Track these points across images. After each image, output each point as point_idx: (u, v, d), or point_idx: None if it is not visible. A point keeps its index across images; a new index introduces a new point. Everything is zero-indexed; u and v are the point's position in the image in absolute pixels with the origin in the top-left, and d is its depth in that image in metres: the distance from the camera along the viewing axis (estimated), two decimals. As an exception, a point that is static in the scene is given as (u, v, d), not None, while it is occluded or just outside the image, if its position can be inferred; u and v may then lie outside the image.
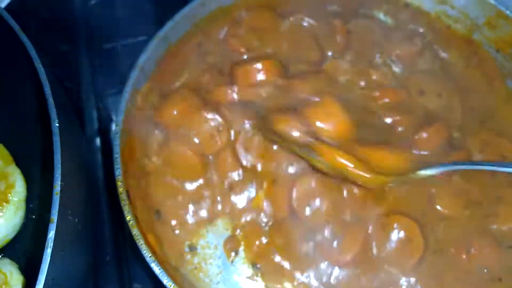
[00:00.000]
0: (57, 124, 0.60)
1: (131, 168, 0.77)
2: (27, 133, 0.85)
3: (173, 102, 0.82)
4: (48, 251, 0.52)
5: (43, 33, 1.16)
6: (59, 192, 0.55)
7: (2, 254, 0.83)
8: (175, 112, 0.81)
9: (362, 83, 0.85)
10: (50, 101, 0.62)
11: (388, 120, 0.81)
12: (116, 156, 0.73)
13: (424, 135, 0.79)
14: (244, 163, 0.80)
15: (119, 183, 0.71)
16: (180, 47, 0.90)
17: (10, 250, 0.82)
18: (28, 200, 0.83)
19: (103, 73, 1.13)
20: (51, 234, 0.53)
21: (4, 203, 0.79)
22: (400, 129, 0.80)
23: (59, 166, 0.57)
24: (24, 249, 0.82)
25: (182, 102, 0.82)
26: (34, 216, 0.84)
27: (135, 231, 0.67)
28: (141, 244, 0.66)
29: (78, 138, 0.74)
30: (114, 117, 1.08)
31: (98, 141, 1.03)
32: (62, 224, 0.55)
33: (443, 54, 0.92)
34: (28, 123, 0.84)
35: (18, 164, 0.85)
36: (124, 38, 1.14)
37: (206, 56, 0.91)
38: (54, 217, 0.54)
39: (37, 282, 0.51)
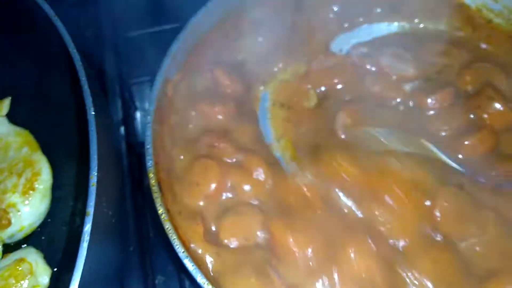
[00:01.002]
0: (93, 113, 0.57)
1: (162, 160, 0.74)
2: (54, 120, 0.83)
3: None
4: (84, 245, 0.50)
5: (67, 19, 1.14)
6: (95, 183, 0.53)
7: (26, 244, 0.81)
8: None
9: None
10: (86, 88, 0.60)
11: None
12: (148, 147, 0.70)
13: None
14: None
15: (151, 175, 0.68)
16: (210, 37, 0.87)
17: (35, 238, 0.81)
18: (53, 188, 0.82)
19: (127, 61, 1.10)
20: (87, 228, 0.51)
21: (31, 191, 0.78)
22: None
23: (95, 156, 0.55)
24: (48, 238, 0.80)
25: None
26: (59, 204, 0.82)
27: (167, 225, 0.65)
28: (174, 239, 0.64)
29: (110, 127, 0.71)
30: (138, 106, 1.07)
31: (122, 130, 1.02)
32: (97, 217, 0.53)
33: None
34: (55, 110, 0.82)
35: (44, 152, 0.84)
36: (150, 26, 1.12)
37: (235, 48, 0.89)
38: (91, 209, 0.52)
39: (72, 278, 0.49)
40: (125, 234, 0.89)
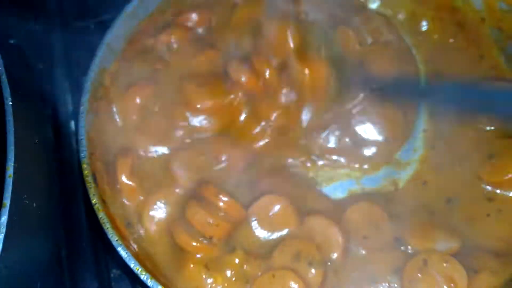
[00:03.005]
0: (10, 103, 0.56)
1: (99, 151, 0.73)
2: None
3: None
4: (0, 237, 0.49)
5: (14, 13, 1.12)
6: (12, 174, 0.52)
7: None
8: None
9: None
10: (3, 78, 0.58)
11: None
12: (81, 138, 0.69)
13: None
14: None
15: (84, 166, 0.68)
16: (150, 24, 0.85)
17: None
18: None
19: (76, 53, 1.08)
20: (3, 220, 0.50)
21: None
22: None
23: (12, 147, 0.53)
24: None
25: None
26: None
27: (101, 215, 0.64)
28: (107, 228, 0.63)
29: (39, 117, 0.70)
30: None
31: (72, 124, 1.00)
32: (16, 209, 0.51)
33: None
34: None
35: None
36: (97, 15, 1.09)
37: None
38: (7, 201, 0.51)
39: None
40: (76, 228, 0.88)
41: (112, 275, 0.88)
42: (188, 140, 0.75)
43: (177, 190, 0.71)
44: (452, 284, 0.64)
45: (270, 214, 0.70)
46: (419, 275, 0.65)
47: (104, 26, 1.08)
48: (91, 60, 1.04)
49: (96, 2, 1.09)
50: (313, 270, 0.65)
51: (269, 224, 0.69)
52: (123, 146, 0.74)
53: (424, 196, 0.76)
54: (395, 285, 0.66)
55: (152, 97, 0.77)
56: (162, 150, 0.74)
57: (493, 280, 0.66)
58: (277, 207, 0.70)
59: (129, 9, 0.81)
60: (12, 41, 0.94)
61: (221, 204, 0.68)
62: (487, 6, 0.84)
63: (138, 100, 0.76)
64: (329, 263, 0.67)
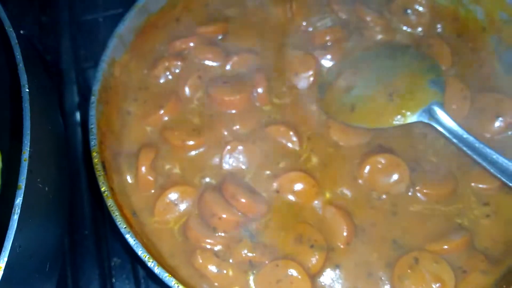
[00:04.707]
0: (27, 90, 0.58)
1: (108, 140, 0.75)
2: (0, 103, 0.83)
3: None
4: (15, 218, 0.51)
5: (24, 4, 1.13)
6: (27, 158, 0.54)
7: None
8: None
9: None
10: (21, 66, 0.60)
11: None
12: (92, 126, 0.71)
13: None
14: None
15: (94, 154, 0.69)
16: (160, 18, 0.87)
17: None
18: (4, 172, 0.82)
19: (84, 45, 1.10)
20: (18, 201, 0.52)
21: (-22, 176, 0.77)
22: None
23: (28, 132, 0.55)
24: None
25: None
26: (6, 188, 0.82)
27: (110, 202, 0.66)
28: (116, 215, 0.65)
29: (51, 106, 0.72)
30: (94, 91, 1.06)
31: (78, 115, 1.02)
32: (30, 191, 0.53)
33: None
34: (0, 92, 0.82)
35: (-8, 135, 0.83)
36: (105, 10, 1.11)
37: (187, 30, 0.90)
38: (22, 183, 0.52)
39: (3, 249, 0.49)
40: (79, 217, 0.90)
41: (112, 263, 0.90)
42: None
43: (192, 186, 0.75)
44: (439, 284, 0.67)
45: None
46: (409, 271, 0.68)
47: (112, 20, 1.11)
48: (99, 53, 1.07)
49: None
50: (315, 253, 0.68)
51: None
52: (149, 140, 0.78)
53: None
54: (384, 279, 0.69)
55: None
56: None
57: (482, 281, 0.68)
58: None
59: (141, 2, 0.83)
60: (22, 32, 0.96)
61: (237, 205, 0.71)
62: (488, 16, 0.87)
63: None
64: (330, 251, 0.70)
